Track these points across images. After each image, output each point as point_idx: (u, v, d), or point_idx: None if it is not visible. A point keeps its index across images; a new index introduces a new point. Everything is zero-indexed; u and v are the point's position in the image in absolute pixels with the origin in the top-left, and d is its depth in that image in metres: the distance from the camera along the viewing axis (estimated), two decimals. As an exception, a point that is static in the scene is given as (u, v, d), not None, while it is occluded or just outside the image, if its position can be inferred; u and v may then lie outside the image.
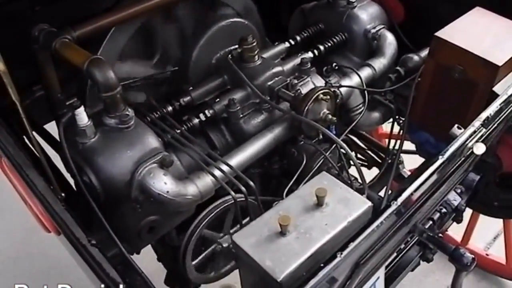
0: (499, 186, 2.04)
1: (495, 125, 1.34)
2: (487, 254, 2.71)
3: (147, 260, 1.66)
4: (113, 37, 1.58)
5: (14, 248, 2.99)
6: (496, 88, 1.59)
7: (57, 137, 1.43)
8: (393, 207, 1.07)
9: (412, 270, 1.66)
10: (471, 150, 1.25)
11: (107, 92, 1.30)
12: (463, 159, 1.27)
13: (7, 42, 1.35)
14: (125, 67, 1.69)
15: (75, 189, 1.40)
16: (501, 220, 2.44)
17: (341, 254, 0.97)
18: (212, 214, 1.55)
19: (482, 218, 2.45)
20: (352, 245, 0.98)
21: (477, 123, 1.29)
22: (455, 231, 2.54)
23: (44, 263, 2.85)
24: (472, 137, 1.27)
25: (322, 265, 0.96)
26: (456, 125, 1.32)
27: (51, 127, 1.64)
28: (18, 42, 1.44)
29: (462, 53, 1.59)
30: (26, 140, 1.35)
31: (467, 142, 1.25)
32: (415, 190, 1.12)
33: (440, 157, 1.19)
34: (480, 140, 1.27)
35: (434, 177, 1.18)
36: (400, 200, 1.08)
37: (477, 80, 1.60)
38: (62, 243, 1.30)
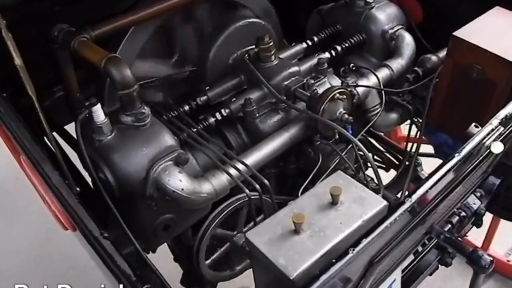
0: (520, 190, 2.00)
1: (514, 124, 1.31)
2: (508, 260, 2.67)
3: (162, 261, 1.67)
4: (131, 37, 1.60)
5: (34, 248, 3.03)
6: (515, 88, 1.56)
7: (75, 136, 1.45)
8: (407, 204, 1.05)
9: (430, 275, 1.64)
10: (488, 149, 1.23)
11: (123, 90, 1.31)
12: (480, 158, 1.25)
13: (27, 42, 1.37)
14: (144, 66, 1.70)
15: (91, 187, 1.42)
16: (523, 226, 2.39)
17: (353, 250, 0.96)
18: (225, 212, 1.56)
19: (504, 223, 2.40)
20: (364, 242, 0.97)
21: (495, 121, 1.26)
22: (476, 236, 2.50)
23: (63, 263, 2.89)
24: (490, 135, 1.24)
25: (333, 261, 0.95)
26: (473, 124, 1.30)
27: (70, 129, 1.66)
28: (38, 42, 1.46)
29: (481, 53, 1.57)
30: (45, 138, 1.36)
31: (484, 141, 1.23)
32: (430, 188, 1.10)
33: (457, 155, 1.17)
34: (499, 139, 1.24)
35: (451, 175, 1.16)
36: (415, 197, 1.06)
37: (496, 79, 1.58)
38: (78, 239, 1.31)
